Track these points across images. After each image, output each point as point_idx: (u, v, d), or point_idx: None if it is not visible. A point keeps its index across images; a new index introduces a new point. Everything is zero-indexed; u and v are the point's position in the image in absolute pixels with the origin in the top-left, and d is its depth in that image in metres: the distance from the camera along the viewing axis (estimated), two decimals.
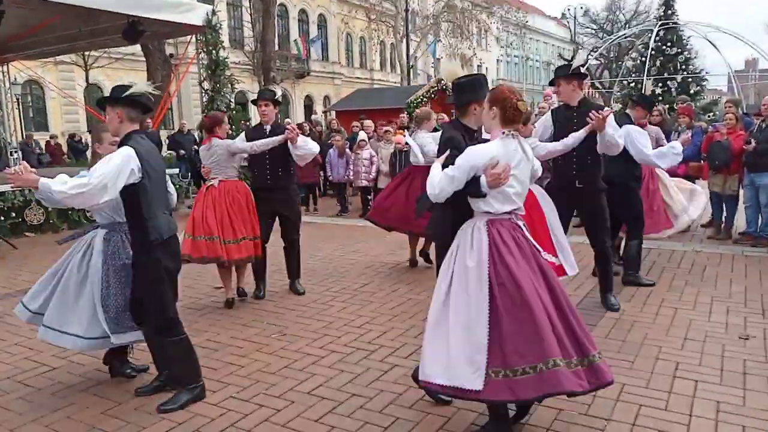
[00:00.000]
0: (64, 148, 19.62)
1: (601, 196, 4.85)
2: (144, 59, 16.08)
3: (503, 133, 2.94)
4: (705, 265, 6.38)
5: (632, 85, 21.63)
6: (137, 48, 15.92)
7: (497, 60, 52.05)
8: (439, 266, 3.18)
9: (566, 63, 4.78)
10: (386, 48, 40.77)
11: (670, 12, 22.05)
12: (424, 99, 16.08)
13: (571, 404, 3.28)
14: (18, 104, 19.43)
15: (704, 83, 22.11)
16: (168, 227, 3.42)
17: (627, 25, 39.33)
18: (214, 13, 11.01)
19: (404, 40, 28.51)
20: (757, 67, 38.20)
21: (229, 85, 12.25)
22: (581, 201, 4.88)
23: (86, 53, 19.57)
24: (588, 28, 44.46)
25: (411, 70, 30.35)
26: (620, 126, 4.99)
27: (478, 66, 41.17)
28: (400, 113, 13.28)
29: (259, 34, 21.28)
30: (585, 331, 2.92)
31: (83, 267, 3.61)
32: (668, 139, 7.01)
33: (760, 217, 7.23)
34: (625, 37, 29.74)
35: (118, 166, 3.15)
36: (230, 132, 7.97)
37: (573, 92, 4.75)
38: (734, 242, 7.41)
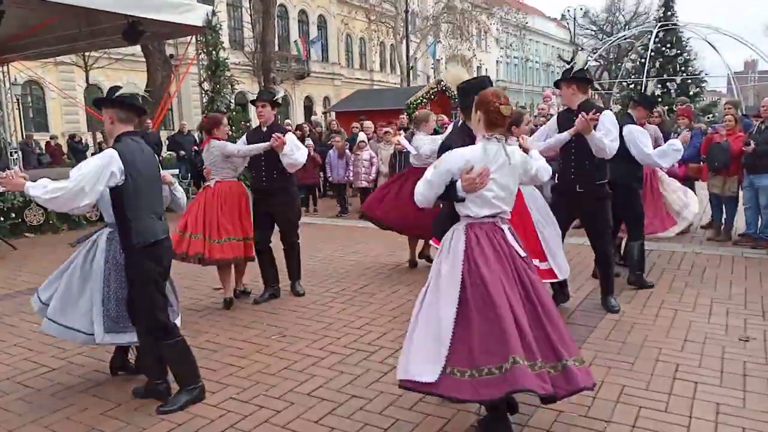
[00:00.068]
0: (64, 149, 19.68)
1: (604, 202, 4.80)
2: (144, 60, 16.13)
3: (484, 136, 2.95)
4: (705, 266, 6.38)
5: (632, 86, 21.64)
6: (137, 49, 15.97)
7: (497, 61, 52.02)
8: None
9: (567, 67, 4.78)
10: (386, 49, 40.79)
11: (669, 13, 22.04)
12: (424, 100, 16.07)
13: (571, 406, 3.28)
14: (18, 104, 19.45)
15: (704, 85, 22.13)
16: (154, 231, 3.38)
17: (627, 27, 39.37)
18: (214, 13, 11.01)
19: (404, 41, 28.52)
20: (757, 69, 38.13)
21: (229, 86, 12.24)
22: (582, 205, 4.84)
23: (86, 54, 19.57)
24: (588, 29, 44.54)
25: (411, 71, 30.36)
26: (622, 126, 4.98)
27: (477, 67, 41.22)
28: (399, 114, 13.29)
29: (259, 34, 21.29)
30: (563, 336, 2.89)
31: (87, 265, 3.61)
32: (667, 141, 7.00)
33: (759, 218, 7.22)
34: (625, 39, 29.74)
35: (97, 168, 3.15)
36: (230, 133, 7.97)
37: (573, 95, 4.74)
38: (734, 244, 7.41)
